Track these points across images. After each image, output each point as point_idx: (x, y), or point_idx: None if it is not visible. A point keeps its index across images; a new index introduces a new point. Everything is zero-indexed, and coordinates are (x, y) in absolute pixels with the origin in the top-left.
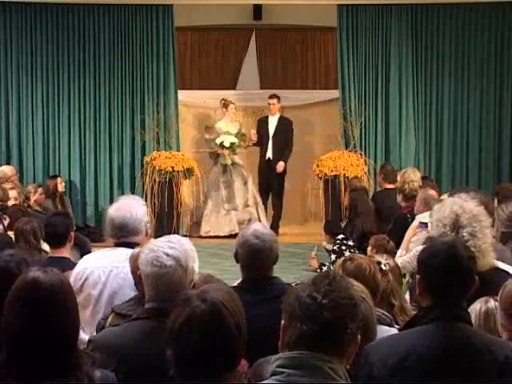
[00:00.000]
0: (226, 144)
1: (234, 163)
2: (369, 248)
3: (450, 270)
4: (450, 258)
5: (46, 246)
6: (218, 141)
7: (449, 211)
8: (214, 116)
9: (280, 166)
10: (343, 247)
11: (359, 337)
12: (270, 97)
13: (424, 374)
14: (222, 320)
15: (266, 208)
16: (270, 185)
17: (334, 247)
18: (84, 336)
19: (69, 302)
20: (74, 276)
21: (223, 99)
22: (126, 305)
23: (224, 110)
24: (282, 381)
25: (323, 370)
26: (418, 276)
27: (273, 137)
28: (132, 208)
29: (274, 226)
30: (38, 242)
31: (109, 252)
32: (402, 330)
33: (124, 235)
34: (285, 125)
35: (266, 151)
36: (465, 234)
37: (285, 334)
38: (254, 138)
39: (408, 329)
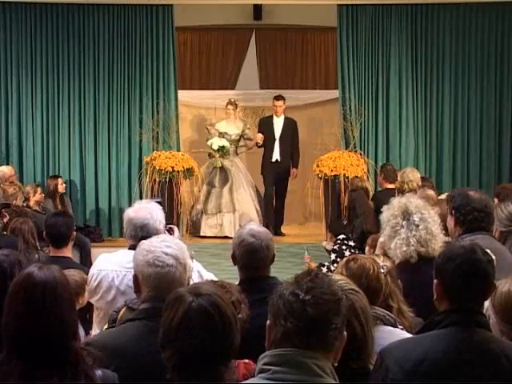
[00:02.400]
0: (214, 147)
1: (222, 167)
2: (366, 248)
3: (466, 274)
4: (466, 261)
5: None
6: (208, 143)
7: (397, 205)
8: (215, 116)
9: (295, 172)
10: (343, 247)
11: (345, 333)
12: (277, 98)
13: (440, 380)
14: (221, 311)
15: (274, 211)
16: (277, 187)
17: (335, 247)
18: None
19: (64, 299)
20: (90, 277)
21: (229, 98)
22: (137, 299)
23: (226, 110)
24: (268, 378)
25: (309, 366)
26: (435, 280)
27: (280, 138)
28: (151, 210)
29: (278, 227)
30: (36, 241)
31: (123, 254)
32: (417, 333)
33: (145, 236)
34: (291, 126)
35: (271, 152)
36: (416, 218)
37: (270, 333)
38: (260, 141)
39: (424, 333)
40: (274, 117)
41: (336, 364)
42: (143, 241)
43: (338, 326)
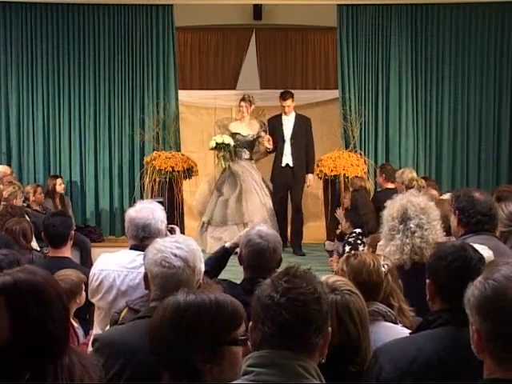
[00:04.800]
0: (212, 144)
1: (232, 172)
2: (365, 248)
3: (458, 272)
4: (458, 259)
5: (34, 244)
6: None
7: (398, 205)
8: (214, 116)
9: (310, 180)
10: (358, 241)
11: (330, 329)
12: (284, 98)
13: (432, 379)
14: (174, 321)
15: (285, 224)
16: (291, 196)
17: (350, 239)
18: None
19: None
20: (91, 277)
21: (243, 94)
22: (139, 300)
23: (239, 107)
24: (251, 380)
25: (291, 367)
26: (427, 280)
27: (291, 139)
28: (153, 210)
29: (297, 243)
30: (28, 242)
31: (125, 255)
32: (412, 333)
33: (146, 236)
34: (304, 124)
35: (281, 156)
36: (412, 225)
37: (252, 334)
38: (269, 145)
39: (418, 332)
40: (283, 115)
41: (323, 360)
42: (157, 239)
43: (319, 324)
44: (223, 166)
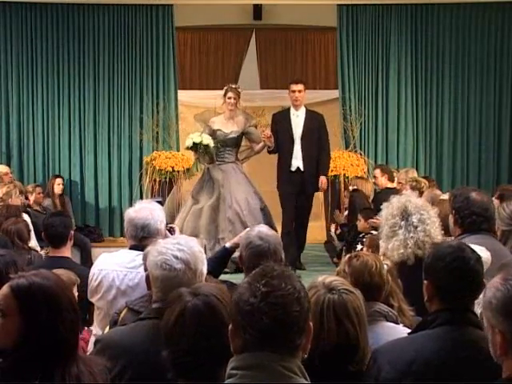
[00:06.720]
0: (187, 143)
1: (211, 177)
2: (364, 248)
3: (457, 272)
4: (456, 259)
5: (34, 244)
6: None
7: (397, 202)
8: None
9: (324, 182)
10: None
11: (311, 323)
12: (295, 82)
13: (432, 379)
14: (216, 311)
15: (298, 238)
16: (298, 204)
17: (364, 239)
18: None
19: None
20: (91, 276)
21: (228, 85)
22: (139, 300)
23: (223, 100)
24: (236, 383)
25: (274, 368)
26: (425, 281)
27: (301, 138)
28: (152, 210)
29: (297, 258)
30: (24, 242)
31: (124, 254)
32: (411, 333)
33: (145, 236)
34: (317, 121)
35: (290, 159)
36: (414, 219)
37: (233, 339)
38: (270, 143)
39: (417, 333)
40: (292, 110)
41: (306, 356)
42: (160, 240)
43: (301, 325)
44: (195, 170)
